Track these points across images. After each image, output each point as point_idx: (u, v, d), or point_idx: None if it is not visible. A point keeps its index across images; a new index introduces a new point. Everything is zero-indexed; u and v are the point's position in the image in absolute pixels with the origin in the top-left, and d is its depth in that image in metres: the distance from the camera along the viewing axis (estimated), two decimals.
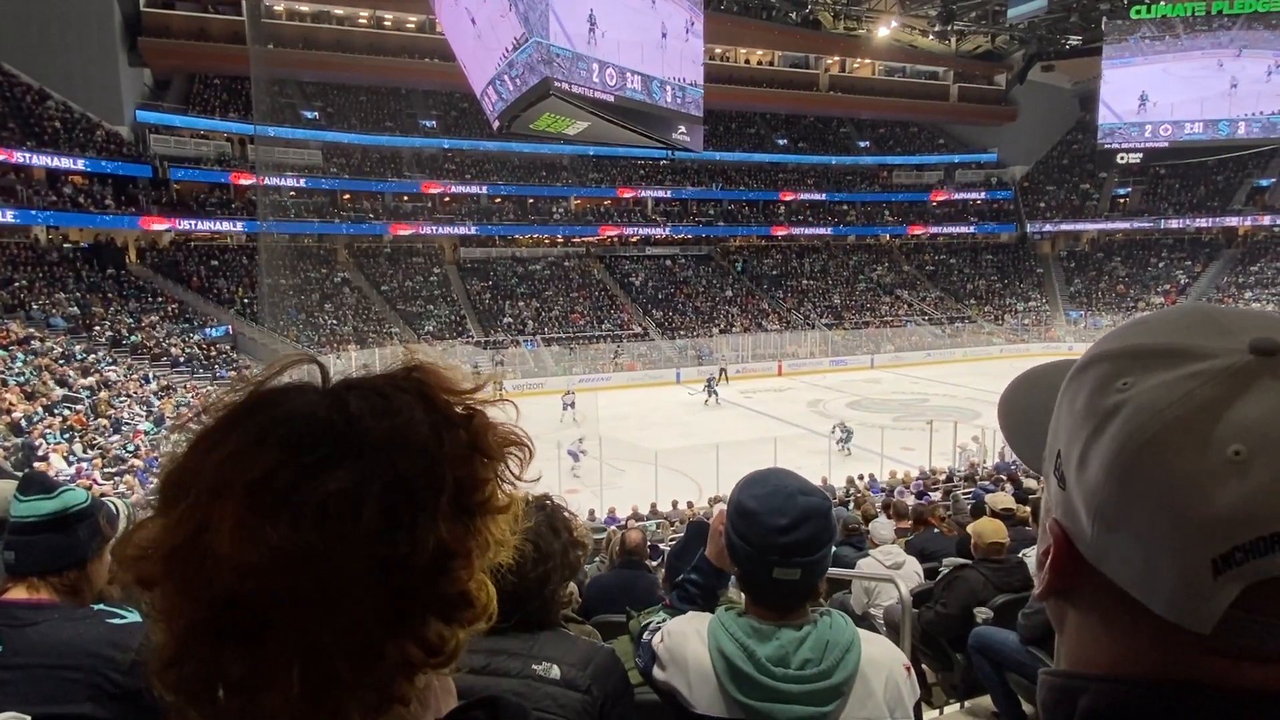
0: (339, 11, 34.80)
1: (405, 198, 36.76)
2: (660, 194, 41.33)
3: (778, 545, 1.25)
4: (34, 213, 25.74)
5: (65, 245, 28.01)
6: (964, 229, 45.03)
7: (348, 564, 0.46)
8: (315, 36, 34.15)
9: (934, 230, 44.82)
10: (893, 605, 4.30)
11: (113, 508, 1.65)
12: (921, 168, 46.41)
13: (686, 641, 1.33)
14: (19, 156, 25.58)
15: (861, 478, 14.66)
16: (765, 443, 17.07)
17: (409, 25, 35.66)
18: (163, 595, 0.47)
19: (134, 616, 1.44)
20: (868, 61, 43.25)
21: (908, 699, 1.28)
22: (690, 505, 13.81)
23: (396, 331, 31.32)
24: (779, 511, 1.27)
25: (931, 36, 38.60)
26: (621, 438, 20.52)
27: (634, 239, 41.19)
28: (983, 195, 45.79)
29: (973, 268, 44.27)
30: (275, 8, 33.57)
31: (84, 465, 14.44)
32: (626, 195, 40.72)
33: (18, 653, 1.33)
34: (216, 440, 0.49)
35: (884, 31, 37.31)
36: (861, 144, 46.73)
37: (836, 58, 42.73)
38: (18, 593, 1.41)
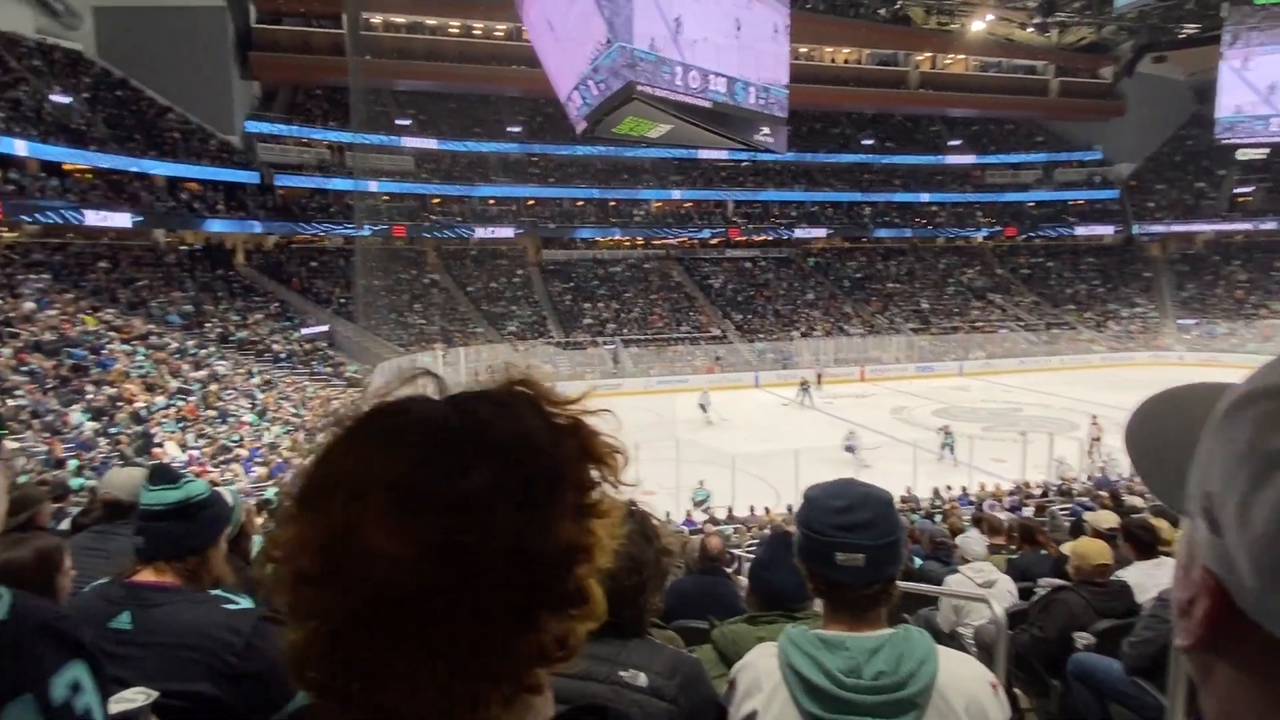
0: (431, 22, 36.08)
1: (491, 201, 37.76)
2: (741, 196, 41.01)
3: (838, 525, 1.27)
4: (155, 217, 27.68)
5: (181, 248, 30.05)
6: (1063, 230, 42.83)
7: (489, 558, 0.49)
8: (409, 47, 35.51)
9: (1030, 232, 42.82)
10: (984, 625, 4.13)
11: (228, 498, 1.75)
12: (1018, 166, 44.40)
13: (758, 661, 1.33)
14: (143, 166, 27.59)
15: (949, 489, 14.13)
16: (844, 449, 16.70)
17: (497, 33, 36.64)
18: (314, 592, 0.49)
19: (246, 603, 1.53)
20: (961, 57, 41.71)
21: (995, 718, 1.22)
22: (768, 511, 13.65)
23: (480, 331, 32.20)
24: (837, 495, 1.31)
25: (1031, 29, 36.85)
26: (699, 441, 20.46)
27: (714, 241, 41.03)
28: (1085, 195, 43.44)
29: (1072, 271, 42.06)
30: (373, 20, 35.10)
31: (194, 453, 15.45)
32: (707, 197, 40.59)
33: (146, 631, 1.44)
34: (352, 444, 0.52)
35: (979, 26, 35.90)
36: (953, 143, 45.04)
37: (927, 54, 41.41)
38: (145, 575, 1.52)
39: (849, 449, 18.19)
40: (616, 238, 39.76)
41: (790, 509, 13.64)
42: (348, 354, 27.65)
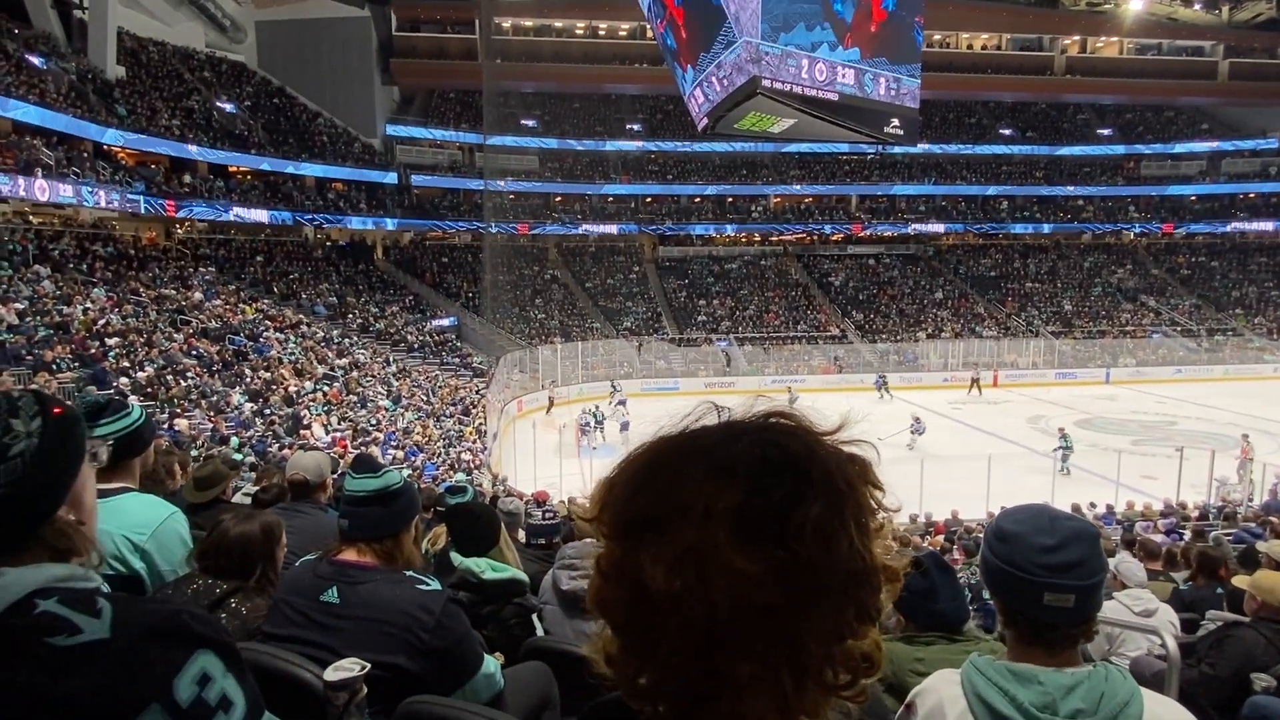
0: (559, 24, 37.07)
1: (610, 199, 38.40)
2: (866, 190, 39.68)
3: (1047, 565, 1.20)
4: (305, 216, 30.01)
5: (327, 244, 32.38)
6: (1231, 226, 38.80)
7: (834, 576, 0.55)
8: (537, 49, 36.66)
9: (1190, 227, 39.09)
10: (1142, 657, 3.85)
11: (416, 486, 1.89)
12: (1178, 157, 40.56)
13: (941, 687, 1.29)
14: (296, 168, 29.93)
15: (1093, 506, 13.15)
16: (978, 459, 15.86)
17: (621, 33, 37.17)
18: (669, 607, 0.54)
19: (435, 585, 1.66)
20: (1114, 40, 38.54)
21: None
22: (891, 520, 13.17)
23: (598, 327, 32.84)
24: (1044, 532, 1.22)
25: (1197, 6, 33.58)
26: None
27: (835, 237, 39.93)
28: (1257, 187, 39.18)
29: (1240, 272, 38.08)
30: (503, 24, 36.47)
31: (337, 434, 16.63)
32: (829, 192, 39.57)
33: (351, 606, 1.58)
34: (679, 474, 0.57)
35: (1136, 4, 33.05)
36: (1103, 132, 41.66)
37: (1076, 37, 38.55)
38: (349, 555, 1.68)
39: (1060, 450, 17.45)
40: (734, 234, 39.47)
41: (913, 518, 13.13)
42: (474, 345, 28.96)
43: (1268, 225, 38.64)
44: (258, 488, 3.92)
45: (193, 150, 25.61)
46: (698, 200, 39.26)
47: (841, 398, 25.36)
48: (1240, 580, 4.34)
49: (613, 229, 37.48)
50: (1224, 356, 32.30)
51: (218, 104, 28.71)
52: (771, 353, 31.95)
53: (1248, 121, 40.82)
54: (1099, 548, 1.26)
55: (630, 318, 34.10)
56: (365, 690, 1.32)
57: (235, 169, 28.51)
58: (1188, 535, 9.71)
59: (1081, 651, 3.91)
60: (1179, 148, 40.57)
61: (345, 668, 1.31)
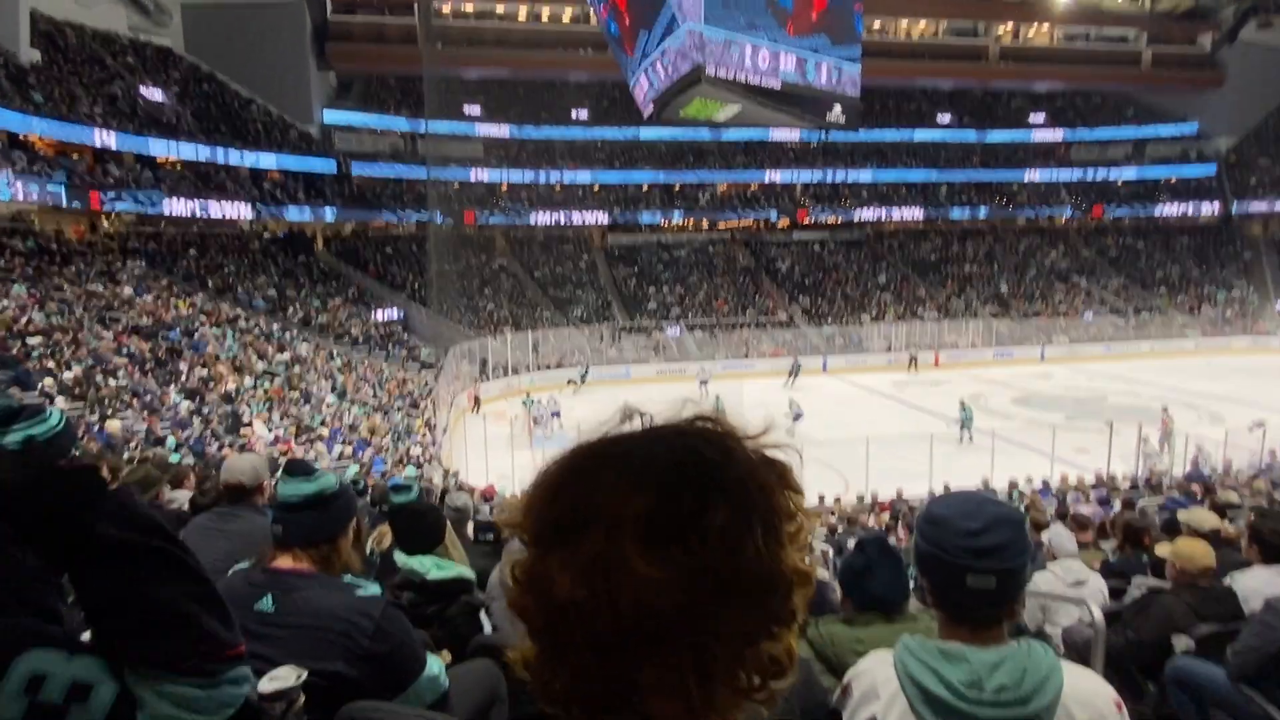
0: (501, 9, 36.44)
1: (557, 187, 38.08)
2: (810, 177, 40.19)
3: (970, 549, 1.24)
4: (240, 206, 28.92)
5: (265, 235, 31.35)
6: (1155, 209, 40.53)
7: (741, 581, 0.55)
8: (479, 34, 35.97)
9: (1119, 211, 40.69)
10: (1074, 626, 4.02)
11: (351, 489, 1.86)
12: (1106, 142, 42.12)
13: (875, 668, 1.33)
14: (228, 157, 28.82)
15: (1030, 480, 13.67)
16: (920, 438, 16.32)
17: (565, 18, 36.75)
18: (579, 615, 0.54)
19: (374, 589, 1.63)
20: (1045, 28, 39.72)
21: None
22: (838, 500, 13.49)
23: (548, 316, 32.63)
24: (970, 516, 1.27)
25: None
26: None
27: (781, 223, 40.39)
28: (1179, 171, 40.98)
29: (1164, 252, 39.86)
30: (443, 9, 35.67)
31: (279, 432, 16.20)
32: (774, 179, 39.95)
33: (287, 613, 1.54)
34: (591, 481, 0.57)
35: None
36: (1036, 118, 43.02)
37: (1009, 25, 39.59)
38: (283, 561, 1.64)
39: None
40: (681, 221, 39.58)
41: (861, 499, 13.44)
42: (421, 337, 28.47)
43: (1190, 207, 40.46)
44: (194, 492, 3.81)
45: (117, 139, 24.45)
46: (645, 188, 39.22)
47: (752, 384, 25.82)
48: (1162, 548, 4.57)
49: (560, 217, 37.18)
50: (1149, 333, 33.85)
51: (143, 91, 27.44)
52: (720, 339, 32.25)
53: (1170, 108, 42.63)
54: (1023, 533, 1.30)
55: (580, 306, 33.96)
56: (303, 699, 1.29)
57: (164, 159, 27.33)
58: (1118, 506, 10.18)
59: (1016, 622, 4.05)
60: (1106, 133, 42.16)
61: (280, 677, 1.28)
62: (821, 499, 13.38)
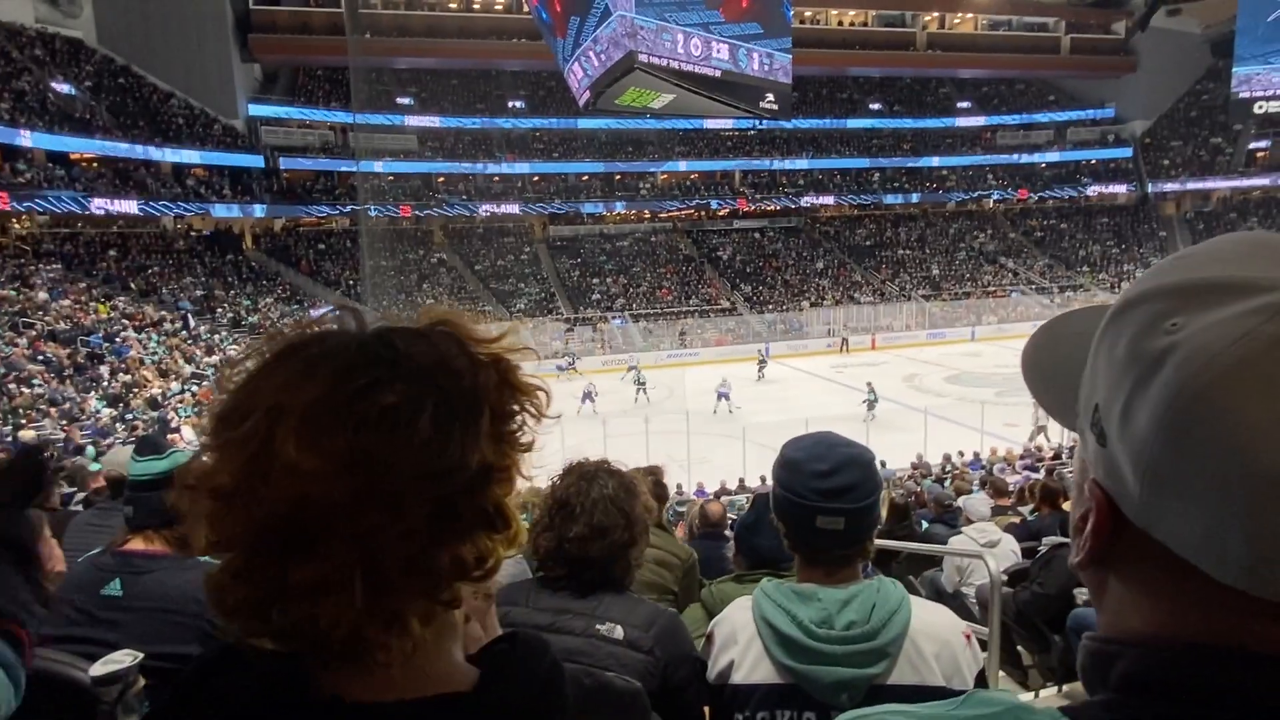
0: None
1: (496, 178, 37.58)
2: (748, 165, 40.57)
3: (819, 490, 1.26)
4: (162, 205, 27.78)
5: (190, 234, 30.16)
6: (1076, 191, 42.17)
7: (405, 470, 0.50)
8: (408, 24, 35.17)
9: (1042, 193, 42.22)
10: (984, 584, 4.16)
11: None
12: (1029, 127, 43.63)
13: (734, 614, 1.35)
14: (148, 153, 27.60)
15: (961, 454, 14.12)
16: (858, 419, 16.70)
17: (497, 7, 36.20)
18: (232, 511, 0.50)
19: None
20: (969, 16, 40.86)
21: (966, 668, 1.24)
22: None
23: (490, 309, 32.21)
24: (820, 459, 1.29)
25: None
26: (710, 413, 20.52)
27: (721, 212, 40.70)
28: (1098, 154, 42.72)
29: (1086, 232, 41.52)
30: None
31: None
32: (713, 168, 40.20)
33: (135, 597, 1.48)
34: (268, 373, 0.54)
35: None
36: (963, 105, 44.29)
37: (935, 14, 40.59)
38: (135, 544, 1.56)
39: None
40: (623, 212, 39.52)
41: None
42: None
43: (1109, 189, 42.20)
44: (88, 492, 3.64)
45: (25, 136, 23.16)
46: (586, 179, 39.01)
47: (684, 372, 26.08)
48: (1069, 505, 4.77)
49: (500, 209, 36.72)
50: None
51: (53, 85, 26.05)
52: (665, 327, 32.36)
53: (1088, 93, 44.37)
54: (872, 471, 1.33)
55: (523, 299, 33.65)
56: (141, 683, 1.23)
57: (78, 156, 26.02)
58: (1042, 474, 10.59)
59: (933, 580, 4.14)
60: (1029, 119, 43.66)
61: (115, 660, 1.22)
62: (764, 480, 13.58)
